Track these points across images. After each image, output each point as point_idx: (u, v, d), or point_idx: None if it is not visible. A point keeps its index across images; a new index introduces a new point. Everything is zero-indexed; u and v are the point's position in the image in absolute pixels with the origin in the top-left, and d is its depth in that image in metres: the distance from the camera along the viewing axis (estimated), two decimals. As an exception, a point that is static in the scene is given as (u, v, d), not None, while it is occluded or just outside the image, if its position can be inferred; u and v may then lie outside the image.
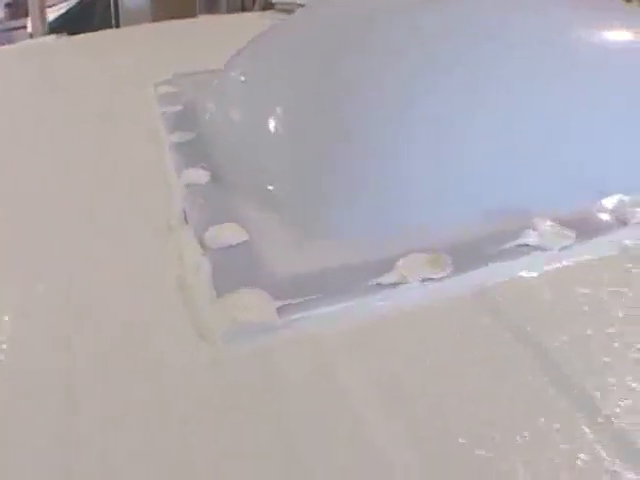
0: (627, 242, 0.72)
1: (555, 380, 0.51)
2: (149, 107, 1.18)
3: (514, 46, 0.85)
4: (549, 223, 0.71)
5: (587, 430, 0.45)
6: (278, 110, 0.85)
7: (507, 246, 0.67)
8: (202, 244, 0.68)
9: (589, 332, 0.56)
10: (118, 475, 0.43)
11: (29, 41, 4.04)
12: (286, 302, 0.57)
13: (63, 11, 5.34)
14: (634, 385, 0.50)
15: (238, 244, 0.67)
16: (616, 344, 0.55)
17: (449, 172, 0.73)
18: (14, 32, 5.39)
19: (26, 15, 5.22)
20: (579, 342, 0.55)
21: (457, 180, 0.73)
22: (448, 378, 0.51)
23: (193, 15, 5.28)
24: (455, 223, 0.68)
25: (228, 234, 0.68)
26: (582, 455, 0.43)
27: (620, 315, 0.59)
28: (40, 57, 2.21)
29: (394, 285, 0.60)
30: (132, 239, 0.73)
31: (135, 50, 1.94)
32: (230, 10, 5.54)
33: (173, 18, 5.17)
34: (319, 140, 0.77)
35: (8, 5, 5.47)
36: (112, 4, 5.18)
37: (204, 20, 3.24)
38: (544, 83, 0.82)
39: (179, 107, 1.11)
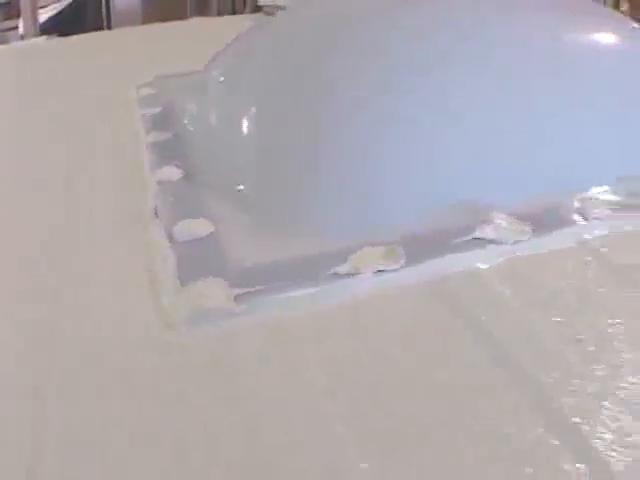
0: (587, 236, 0.76)
1: (504, 366, 0.54)
2: (130, 108, 1.22)
3: (481, 47, 0.89)
4: (505, 217, 0.74)
5: (534, 416, 0.49)
6: (251, 111, 0.89)
7: (462, 239, 0.70)
8: (170, 237, 0.72)
9: (540, 322, 0.60)
10: (87, 451, 0.47)
11: (20, 42, 4.08)
12: (245, 290, 0.61)
13: (55, 12, 5.36)
14: (582, 370, 0.53)
15: (203, 237, 0.71)
16: (566, 334, 0.58)
17: (410, 170, 0.77)
18: (6, 33, 5.41)
19: (18, 16, 5.25)
20: (530, 332, 0.58)
21: (417, 177, 0.77)
22: (397, 365, 0.54)
23: (184, 17, 5.32)
24: (413, 218, 0.72)
25: (195, 228, 0.72)
26: (529, 438, 0.47)
27: (572, 306, 0.63)
28: (29, 58, 2.24)
29: (348, 275, 0.64)
30: (105, 233, 0.76)
31: (123, 52, 1.97)
32: (221, 12, 5.58)
33: (164, 20, 5.20)
34: (289, 141, 0.81)
35: (1, 6, 5.49)
36: (104, 6, 5.21)
37: (194, 22, 3.25)
38: (505, 83, 0.86)
39: (158, 108, 1.14)
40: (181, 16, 5.27)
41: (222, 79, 1.00)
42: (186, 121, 1.03)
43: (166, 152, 0.94)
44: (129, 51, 2.05)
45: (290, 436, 0.47)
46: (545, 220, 0.76)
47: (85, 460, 0.45)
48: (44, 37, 3.79)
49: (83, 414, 0.50)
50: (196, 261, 0.66)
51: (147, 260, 0.69)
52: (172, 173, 0.86)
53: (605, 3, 5.08)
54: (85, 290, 0.66)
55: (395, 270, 0.65)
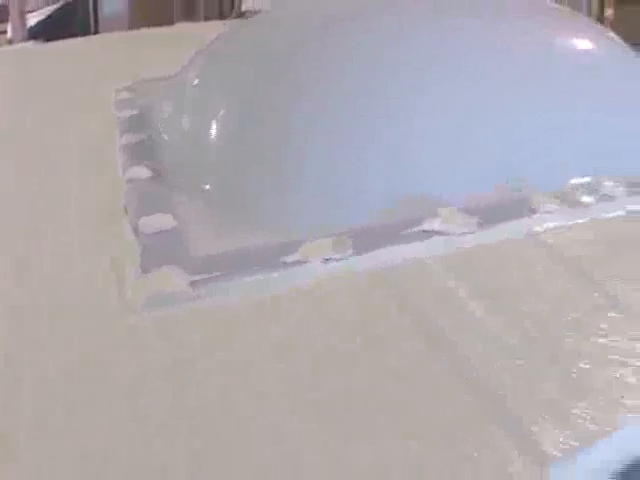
0: (537, 229, 0.82)
1: (440, 350, 0.60)
2: (108, 111, 1.27)
3: (441, 50, 0.95)
4: (452, 211, 0.80)
5: (461, 389, 0.54)
6: (216, 115, 0.95)
7: (409, 231, 0.76)
8: (136, 230, 0.77)
9: (481, 312, 0.65)
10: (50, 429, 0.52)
11: (7, 47, 4.13)
12: (200, 277, 0.66)
13: (44, 16, 5.41)
14: (522, 363, 0.59)
15: (167, 230, 0.76)
16: (507, 324, 0.63)
17: (363, 165, 0.82)
18: (-6, 37, 5.46)
19: (7, 20, 5.29)
20: (471, 320, 0.64)
21: (370, 172, 0.83)
22: (335, 346, 0.60)
23: (171, 22, 5.38)
24: (364, 211, 0.78)
25: (159, 222, 0.78)
26: (456, 409, 0.53)
27: (514, 296, 0.68)
28: (14, 62, 2.29)
29: (298, 263, 0.69)
30: (76, 225, 0.82)
31: (108, 57, 2.03)
32: (207, 17, 5.64)
33: (151, 24, 5.24)
34: (251, 143, 0.87)
35: (-10, 10, 5.53)
36: (91, 10, 5.26)
37: (180, 27, 3.30)
38: (454, 82, 0.93)
39: (134, 111, 1.20)
40: (168, 21, 5.33)
41: (194, 83, 1.06)
42: (160, 123, 1.08)
43: (138, 153, 0.99)
44: (113, 56, 2.11)
45: (233, 415, 0.52)
46: (494, 214, 0.82)
47: (50, 435, 0.51)
48: (31, 42, 3.84)
49: (50, 391, 0.55)
50: (158, 251, 0.72)
51: (114, 250, 0.75)
52: (142, 172, 0.92)
53: (591, 8, 5.11)
54: (54, 274, 0.71)
55: (342, 259, 0.70)
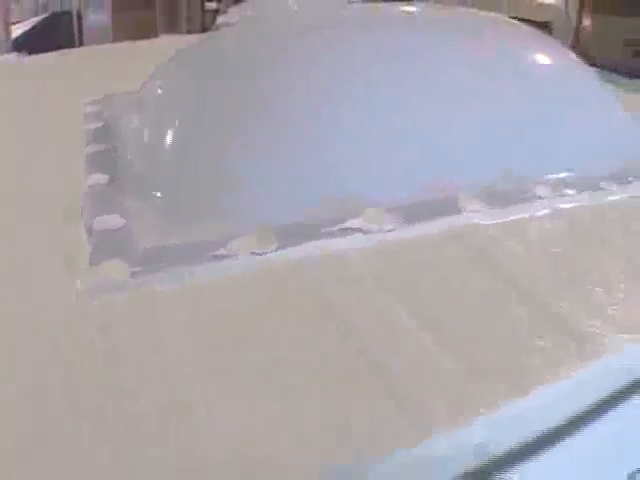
0: (459, 227, 0.91)
1: (347, 340, 0.68)
2: (78, 124, 1.39)
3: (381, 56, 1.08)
4: (377, 210, 0.90)
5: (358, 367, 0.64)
6: (169, 123, 1.06)
7: (333, 228, 0.87)
8: (90, 229, 0.89)
9: (395, 306, 0.74)
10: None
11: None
12: (140, 268, 0.78)
13: (28, 27, 5.52)
14: (420, 343, 0.68)
15: (116, 229, 0.88)
16: (418, 319, 0.72)
17: (292, 169, 0.94)
18: (-21, 48, 5.56)
19: (-9, 31, 5.37)
20: (383, 316, 0.72)
21: (298, 173, 0.94)
22: (254, 338, 0.69)
23: (154, 35, 5.49)
24: (292, 211, 0.89)
25: (110, 222, 0.89)
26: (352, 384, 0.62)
27: (426, 293, 0.77)
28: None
29: (225, 257, 0.81)
30: (38, 224, 0.93)
31: (88, 70, 2.13)
32: (190, 31, 5.77)
33: (134, 36, 5.36)
34: (193, 152, 0.98)
35: (-26, 21, 5.63)
36: (75, 22, 5.37)
37: (163, 40, 3.40)
38: (383, 86, 1.05)
39: (100, 124, 1.32)
40: (151, 33, 5.44)
41: (149, 96, 1.17)
42: (122, 134, 1.20)
43: (100, 161, 1.11)
44: (94, 69, 2.22)
45: (150, 379, 0.63)
46: (418, 212, 0.92)
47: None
48: (14, 54, 3.95)
49: None
50: (106, 247, 0.83)
51: (69, 246, 0.86)
52: (100, 178, 1.03)
53: (568, 15, 5.21)
54: (9, 267, 0.82)
55: (266, 253, 0.82)
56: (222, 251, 0.80)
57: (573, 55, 1.45)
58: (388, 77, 1.06)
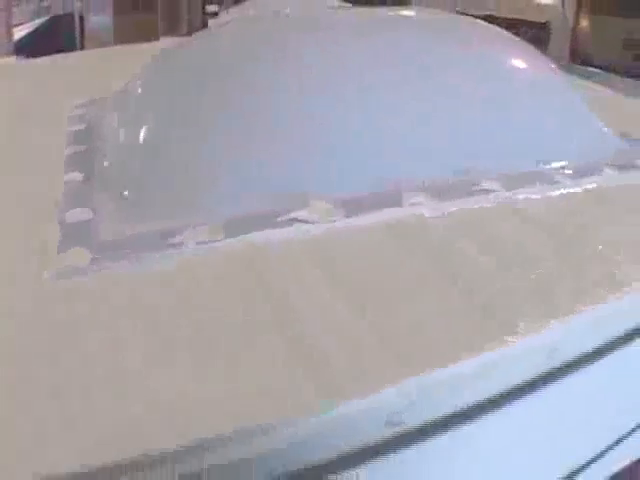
0: (396, 220, 1.00)
1: (285, 328, 0.76)
2: (62, 126, 1.50)
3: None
4: (321, 202, 1.01)
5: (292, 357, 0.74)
6: (135, 124, 1.18)
7: (278, 219, 0.97)
8: (61, 221, 1.00)
9: (329, 295, 0.83)
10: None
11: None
12: (100, 255, 0.89)
13: (31, 29, 5.65)
14: (353, 329, 0.77)
15: (84, 221, 0.99)
16: (350, 304, 0.81)
17: (243, 164, 1.05)
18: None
19: (-6, 33, 5.51)
20: (322, 305, 0.81)
21: (248, 169, 1.04)
22: (190, 318, 0.79)
23: (155, 36, 5.63)
24: (242, 203, 1.00)
25: (79, 215, 1.00)
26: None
27: (361, 279, 0.86)
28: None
29: (179, 245, 0.92)
30: (14, 217, 1.05)
31: (82, 72, 2.23)
32: (190, 32, 5.89)
33: (135, 37, 5.49)
34: (154, 151, 1.10)
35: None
36: (77, 24, 5.50)
37: (163, 43, 3.47)
38: (335, 84, 1.16)
39: (82, 126, 1.43)
40: (152, 36, 5.58)
41: (125, 100, 1.29)
42: (100, 135, 1.31)
43: (78, 161, 1.22)
44: (89, 71, 2.33)
45: (97, 349, 0.74)
46: (361, 206, 1.02)
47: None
48: (14, 57, 4.09)
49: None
50: (73, 237, 0.94)
51: (41, 236, 0.97)
52: (75, 176, 1.14)
53: (565, 16, 5.26)
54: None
55: (215, 242, 0.92)
56: (174, 240, 0.91)
57: (540, 55, 1.55)
58: (336, 75, 1.17)
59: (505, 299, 0.84)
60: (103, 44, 5.52)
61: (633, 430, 1.02)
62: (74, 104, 1.66)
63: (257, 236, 0.94)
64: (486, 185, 1.14)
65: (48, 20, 5.59)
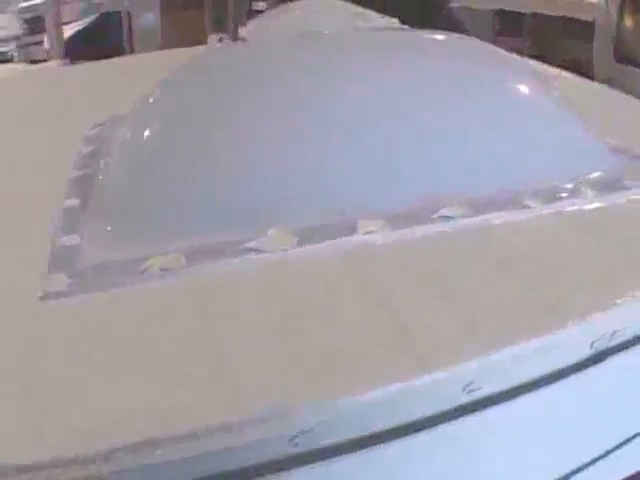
0: (352, 247, 1.13)
1: (218, 367, 0.88)
2: (77, 145, 1.68)
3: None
4: (277, 232, 1.14)
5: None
6: (124, 154, 1.35)
7: (235, 249, 1.11)
8: (53, 244, 1.17)
9: (262, 319, 0.96)
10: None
11: (30, 66, 4.60)
12: (77, 281, 1.06)
13: (80, 28, 5.89)
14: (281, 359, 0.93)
15: (71, 245, 1.16)
16: (280, 327, 0.95)
17: (208, 197, 1.20)
18: (31, 47, 5.96)
19: (44, 30, 5.77)
20: (252, 331, 0.94)
21: (211, 202, 1.20)
22: (138, 340, 0.94)
23: (202, 33, 5.81)
24: (207, 231, 1.15)
25: (69, 240, 1.18)
26: None
27: (298, 306, 0.99)
28: (26, 86, 2.70)
29: (145, 273, 1.08)
30: (14, 241, 1.22)
31: (123, 82, 2.39)
32: (236, 30, 6.05)
33: (182, 36, 5.69)
34: (133, 182, 1.26)
35: (28, 21, 6.03)
36: (124, 22, 5.72)
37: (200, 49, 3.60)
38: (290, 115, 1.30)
39: (91, 147, 1.60)
40: (200, 32, 5.76)
41: (123, 128, 1.46)
42: (102, 161, 1.48)
43: (79, 185, 1.39)
44: (130, 81, 2.48)
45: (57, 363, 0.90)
46: (315, 234, 1.15)
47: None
48: (57, 61, 4.32)
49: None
50: (60, 262, 1.12)
51: (34, 259, 1.14)
52: (73, 202, 1.32)
53: (609, 13, 5.25)
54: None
55: (176, 270, 1.08)
56: (142, 268, 1.07)
57: (527, 75, 1.64)
58: (293, 108, 1.31)
59: (428, 332, 0.95)
60: (150, 41, 5.74)
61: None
62: (93, 122, 1.82)
63: (213, 265, 1.09)
64: (446, 211, 1.23)
65: (97, 18, 5.82)
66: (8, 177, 1.52)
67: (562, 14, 5.71)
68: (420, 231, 1.19)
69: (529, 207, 1.28)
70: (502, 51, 1.80)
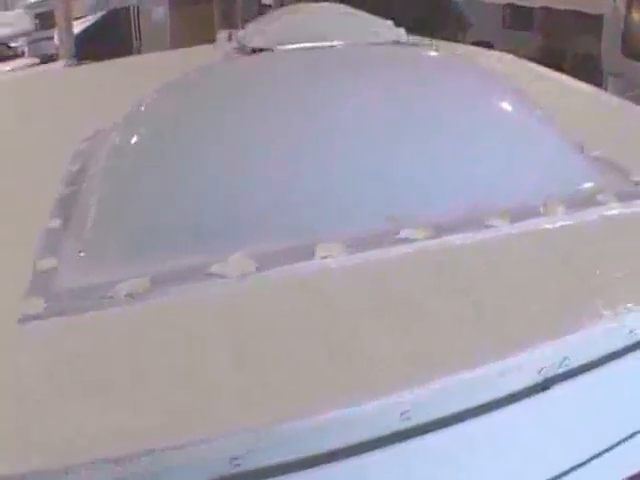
0: (308, 271, 1.21)
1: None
2: (64, 161, 1.77)
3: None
4: (236, 255, 1.23)
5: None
6: (101, 178, 1.44)
7: (198, 273, 1.20)
8: (35, 266, 1.27)
9: (217, 346, 1.05)
10: None
11: (36, 68, 4.71)
12: (51, 305, 1.16)
13: (90, 23, 6.01)
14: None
15: (48, 269, 1.26)
16: (235, 355, 1.03)
17: (171, 225, 1.30)
18: (42, 43, 6.08)
19: (55, 26, 5.88)
20: (203, 355, 1.03)
21: (176, 224, 1.29)
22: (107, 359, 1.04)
23: (211, 28, 5.90)
24: (171, 257, 1.24)
25: (47, 264, 1.27)
26: None
27: (257, 334, 1.07)
28: (30, 88, 2.80)
29: (112, 298, 1.17)
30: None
31: (127, 85, 2.42)
32: (246, 21, 6.13)
33: (191, 30, 5.79)
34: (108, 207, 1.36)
35: (38, 16, 6.15)
36: (132, 17, 5.82)
37: (202, 49, 3.68)
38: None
39: (77, 166, 1.70)
40: (209, 27, 5.85)
41: (112, 148, 1.55)
42: (85, 181, 1.58)
43: (62, 206, 1.49)
44: (131, 83, 2.56)
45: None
46: (273, 259, 1.23)
47: None
48: (61, 62, 4.43)
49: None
50: (37, 284, 1.21)
51: (15, 282, 1.24)
52: (55, 223, 1.42)
53: (617, 7, 5.28)
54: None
55: (143, 295, 1.18)
56: (109, 293, 1.16)
57: (500, 90, 1.70)
58: (246, 135, 1.40)
59: (370, 359, 1.02)
60: (160, 36, 5.84)
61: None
62: (81, 138, 1.92)
63: (177, 289, 1.18)
64: (406, 233, 1.29)
65: (107, 13, 5.93)
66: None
67: (571, 8, 5.74)
68: (378, 254, 1.25)
69: (493, 227, 1.33)
70: (483, 68, 1.91)
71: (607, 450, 1.14)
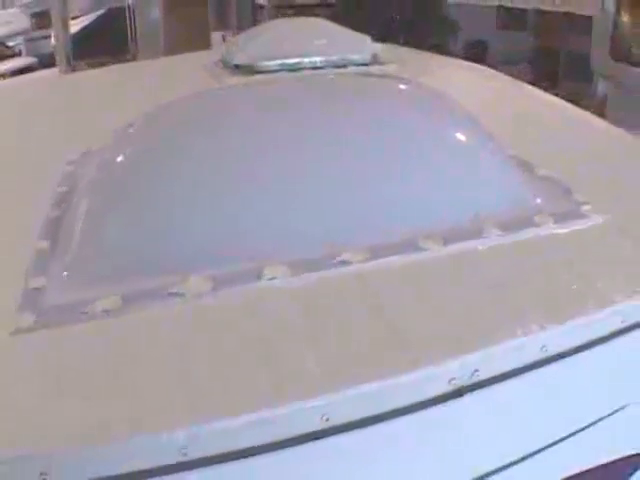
0: (256, 292, 1.43)
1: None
2: (53, 183, 2.03)
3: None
4: (195, 278, 1.47)
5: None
6: (85, 201, 1.71)
7: (161, 292, 1.44)
8: (25, 286, 1.54)
9: (170, 363, 1.27)
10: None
11: (27, 76, 4.96)
12: (39, 320, 1.43)
13: (86, 23, 6.25)
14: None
15: (38, 287, 1.53)
16: (201, 379, 1.25)
17: (138, 247, 1.55)
18: (39, 42, 6.34)
19: (51, 25, 6.13)
20: (151, 369, 1.27)
21: (142, 248, 1.54)
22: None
23: (205, 30, 6.14)
24: (141, 277, 1.51)
25: (36, 282, 1.55)
26: None
27: (204, 351, 1.30)
28: (25, 95, 3.02)
29: (86, 314, 1.44)
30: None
31: (120, 96, 2.71)
32: (241, 25, 6.37)
33: (186, 32, 6.05)
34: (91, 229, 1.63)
35: (35, 15, 6.40)
36: (128, 18, 6.06)
37: (196, 55, 3.88)
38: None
39: (65, 188, 1.96)
40: (203, 29, 6.09)
41: (90, 179, 1.82)
42: (71, 204, 1.85)
43: (50, 227, 1.76)
44: (128, 93, 2.81)
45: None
46: (225, 280, 1.47)
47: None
48: (55, 69, 4.69)
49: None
50: (28, 300, 1.48)
51: (9, 298, 1.51)
52: (43, 244, 1.69)
53: (604, 9, 5.49)
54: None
55: (114, 312, 1.44)
56: (86, 309, 1.42)
57: (442, 114, 1.88)
58: (198, 161, 1.66)
59: (298, 373, 1.23)
60: (154, 37, 6.07)
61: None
62: (68, 159, 2.17)
63: (143, 307, 1.42)
64: (345, 257, 1.49)
65: (103, 13, 6.16)
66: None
67: (563, 10, 5.96)
68: (318, 276, 1.47)
69: (425, 250, 1.51)
70: (429, 92, 2.07)
71: (525, 458, 1.32)
